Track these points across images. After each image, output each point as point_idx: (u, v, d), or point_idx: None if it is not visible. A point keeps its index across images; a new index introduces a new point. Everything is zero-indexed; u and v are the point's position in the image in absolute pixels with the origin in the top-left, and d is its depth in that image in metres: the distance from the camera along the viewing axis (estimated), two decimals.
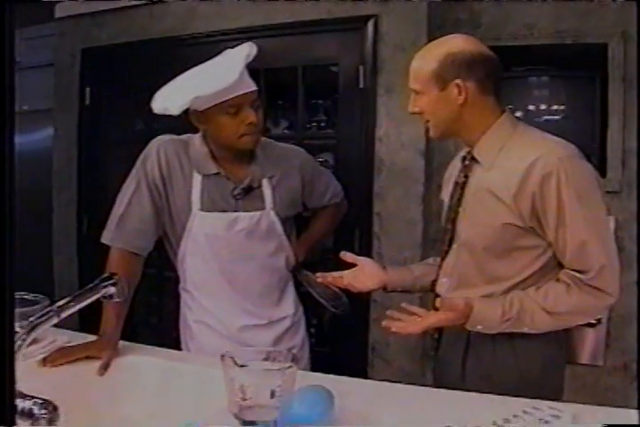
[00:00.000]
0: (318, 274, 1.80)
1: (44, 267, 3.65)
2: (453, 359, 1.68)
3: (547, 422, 1.27)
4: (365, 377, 2.89)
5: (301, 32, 2.94)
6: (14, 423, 0.89)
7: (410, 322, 1.56)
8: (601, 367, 2.79)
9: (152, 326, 3.39)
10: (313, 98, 3.32)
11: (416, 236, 2.83)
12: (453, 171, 1.74)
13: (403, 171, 2.81)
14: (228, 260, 1.89)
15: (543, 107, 3.18)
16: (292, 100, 3.18)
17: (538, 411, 1.31)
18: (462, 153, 1.71)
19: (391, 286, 1.79)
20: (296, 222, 2.10)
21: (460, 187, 1.64)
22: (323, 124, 3.47)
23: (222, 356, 1.24)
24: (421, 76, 1.55)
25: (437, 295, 1.69)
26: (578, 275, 1.49)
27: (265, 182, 1.91)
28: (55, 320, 1.19)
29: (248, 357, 1.29)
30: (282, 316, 2.01)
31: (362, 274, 1.77)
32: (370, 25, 2.78)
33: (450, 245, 1.67)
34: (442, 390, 1.50)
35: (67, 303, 1.22)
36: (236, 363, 1.21)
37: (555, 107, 3.15)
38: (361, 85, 2.84)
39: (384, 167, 2.84)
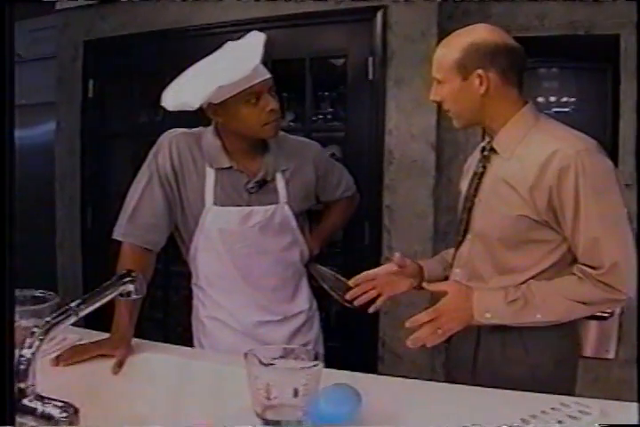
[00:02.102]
0: (350, 281, 1.73)
1: (48, 262, 3.62)
2: (464, 354, 1.66)
3: (575, 418, 1.24)
4: (376, 372, 2.90)
5: (309, 23, 2.91)
6: (14, 423, 0.88)
7: (425, 330, 1.52)
8: (613, 360, 2.77)
9: (157, 322, 3.37)
10: (319, 90, 3.28)
11: (427, 229, 2.82)
12: (473, 161, 1.72)
13: (413, 163, 2.80)
14: (242, 254, 1.86)
15: (553, 99, 3.15)
16: (297, 93, 3.15)
17: (565, 407, 1.29)
18: (483, 143, 1.68)
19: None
20: (308, 216, 2.07)
21: (478, 177, 1.62)
22: (329, 117, 3.44)
23: (246, 354, 1.22)
24: (444, 65, 1.53)
25: None
26: (589, 270, 1.46)
27: (278, 176, 1.88)
28: (74, 319, 1.16)
29: (268, 354, 1.27)
30: (297, 311, 1.98)
31: (396, 276, 1.74)
32: (379, 16, 2.75)
33: (464, 235, 1.65)
34: (466, 387, 1.47)
35: (85, 302, 1.18)
36: (261, 361, 1.18)
37: (564, 99, 3.12)
38: (370, 77, 2.83)
39: (394, 160, 2.83)
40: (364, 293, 1.72)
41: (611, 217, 1.45)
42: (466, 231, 1.64)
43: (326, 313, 3.11)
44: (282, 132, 1.94)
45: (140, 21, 3.24)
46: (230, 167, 1.83)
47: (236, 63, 1.70)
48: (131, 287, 1.29)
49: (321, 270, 2.04)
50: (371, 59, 2.80)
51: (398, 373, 2.85)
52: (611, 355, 2.85)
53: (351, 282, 1.73)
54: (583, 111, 3.00)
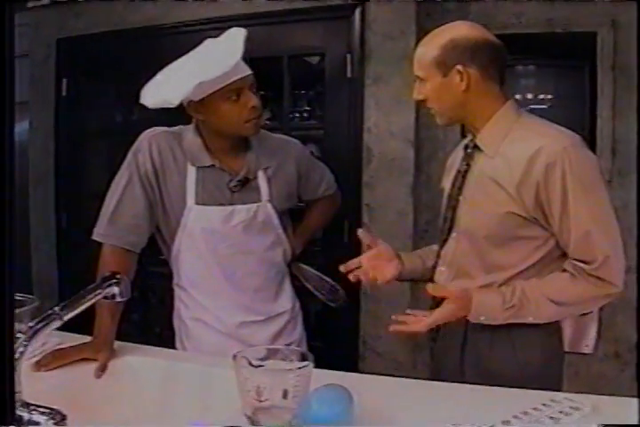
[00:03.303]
0: (341, 267, 1.71)
1: (22, 264, 3.55)
2: (451, 353, 1.66)
3: (567, 414, 1.24)
4: (356, 370, 2.89)
5: (287, 21, 2.89)
6: (14, 423, 0.87)
7: (414, 321, 1.52)
8: (593, 355, 2.79)
9: (134, 323, 3.32)
10: (296, 88, 3.26)
11: (407, 227, 2.82)
12: (455, 159, 1.72)
13: (392, 161, 2.80)
14: (225, 254, 1.84)
15: (530, 96, 3.16)
16: (275, 91, 3.12)
17: (556, 403, 1.29)
18: (465, 141, 1.68)
19: (404, 276, 1.74)
20: (291, 215, 2.05)
21: (462, 175, 1.61)
22: (306, 115, 3.42)
23: (235, 356, 1.20)
24: (424, 63, 1.53)
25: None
26: (582, 265, 1.47)
27: (260, 174, 1.86)
28: (58, 324, 1.13)
29: (256, 355, 1.25)
30: (280, 311, 1.96)
31: (380, 261, 1.71)
32: (357, 13, 2.75)
33: (449, 233, 1.64)
34: (456, 385, 1.47)
35: (68, 305, 1.16)
36: (250, 363, 1.16)
37: (541, 96, 3.14)
38: (348, 75, 2.83)
39: (373, 158, 2.83)
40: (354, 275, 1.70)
41: (600, 211, 1.46)
42: (450, 229, 1.64)
43: (306, 312, 3.10)
44: (263, 130, 1.92)
45: (114, 19, 3.19)
46: (212, 165, 1.81)
47: (217, 59, 1.68)
48: (115, 290, 1.27)
49: (304, 270, 2.04)
50: (349, 56, 2.80)
51: (379, 371, 2.85)
52: (590, 350, 2.86)
53: (341, 268, 1.71)
54: (560, 108, 3.02)
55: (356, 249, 2.89)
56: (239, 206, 1.82)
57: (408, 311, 1.59)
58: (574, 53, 2.73)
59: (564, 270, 1.51)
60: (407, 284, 2.79)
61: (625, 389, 2.71)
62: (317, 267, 2.09)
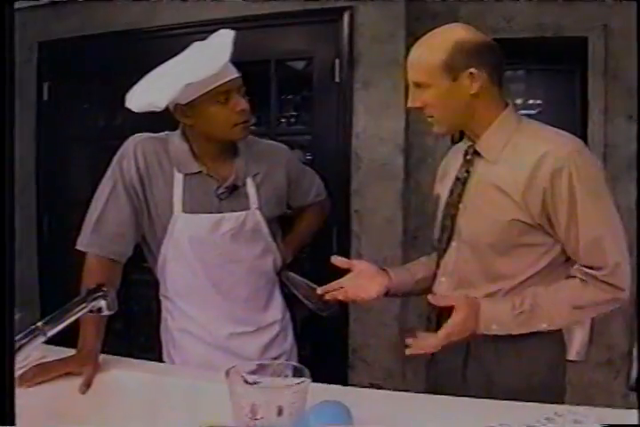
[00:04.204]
0: (319, 289, 1.67)
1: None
2: (453, 365, 1.61)
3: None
4: (345, 379, 2.85)
5: (274, 24, 2.86)
6: (14, 423, 0.84)
7: (426, 338, 1.46)
8: (585, 363, 2.76)
9: (117, 333, 3.25)
10: (283, 93, 3.22)
11: (396, 234, 2.79)
12: (450, 165, 1.67)
13: (381, 167, 2.78)
14: (214, 264, 1.79)
15: (519, 101, 3.14)
16: (260, 96, 3.08)
17: (559, 417, 1.25)
18: (461, 146, 1.64)
19: (393, 291, 1.69)
20: (280, 223, 2.00)
21: (462, 182, 1.57)
22: (292, 121, 3.39)
23: (228, 372, 1.14)
24: (427, 68, 1.45)
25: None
26: (592, 272, 1.44)
27: (249, 181, 1.81)
28: (42, 339, 1.07)
29: (249, 371, 1.20)
30: (270, 321, 1.91)
31: (362, 280, 1.66)
32: (346, 17, 2.72)
33: (448, 242, 1.60)
34: (457, 398, 1.42)
35: (52, 320, 1.10)
36: (246, 380, 1.11)
37: (530, 101, 3.12)
38: (337, 79, 2.80)
39: (362, 164, 2.80)
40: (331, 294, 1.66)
41: (608, 216, 1.44)
42: (450, 239, 1.59)
43: (293, 320, 3.05)
44: (251, 136, 1.87)
45: (97, 22, 3.13)
46: (199, 172, 1.76)
47: (205, 61, 1.63)
48: (102, 303, 1.21)
49: (294, 278, 1.98)
50: (337, 61, 2.77)
51: (369, 380, 2.81)
52: (580, 357, 2.84)
53: (319, 290, 1.67)
54: (549, 114, 3.00)
55: (344, 257, 2.89)
56: (228, 214, 1.77)
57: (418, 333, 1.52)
58: (564, 58, 2.72)
59: (570, 277, 1.48)
60: None
61: (618, 396, 2.70)
62: (305, 275, 2.02)
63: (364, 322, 2.81)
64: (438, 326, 1.50)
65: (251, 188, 1.81)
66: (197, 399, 1.43)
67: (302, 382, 1.13)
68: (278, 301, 1.96)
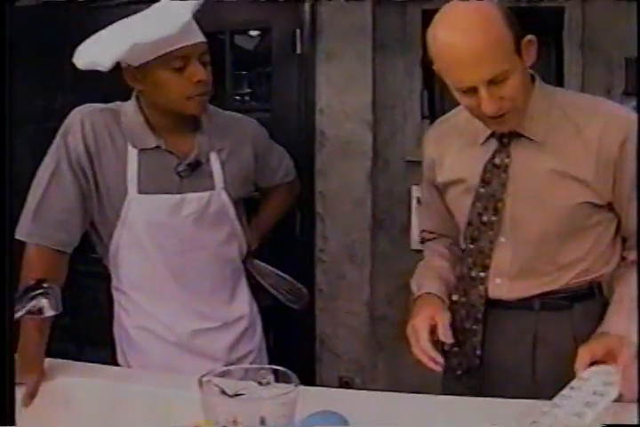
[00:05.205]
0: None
1: None
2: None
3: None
4: (313, 373, 2.68)
5: None
6: (14, 423, 0.81)
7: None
8: None
9: (64, 329, 3.02)
10: (238, 68, 3.01)
11: (364, 216, 2.64)
12: (450, 150, 1.48)
13: (347, 145, 2.61)
14: (174, 252, 1.59)
15: None
16: (214, 71, 2.87)
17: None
18: (455, 125, 1.48)
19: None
20: (245, 206, 1.82)
21: (503, 170, 1.38)
22: (247, 98, 3.20)
23: (201, 381, 0.96)
24: (500, 53, 1.19)
25: (493, 301, 1.44)
26: None
27: (213, 157, 1.62)
28: None
29: (228, 379, 1.02)
30: (237, 316, 1.72)
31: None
32: None
33: (493, 240, 1.41)
34: (457, 398, 1.28)
35: None
36: (224, 392, 0.92)
37: None
38: (298, 51, 2.61)
39: (326, 141, 2.63)
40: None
41: None
42: (495, 235, 1.41)
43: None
44: (214, 107, 1.68)
45: None
46: (157, 147, 1.56)
47: (161, 20, 1.44)
48: (43, 302, 1.01)
49: (260, 267, 1.83)
50: (298, 31, 2.58)
51: (338, 373, 2.66)
52: None
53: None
54: None
55: (309, 241, 2.72)
56: (190, 195, 1.58)
57: None
58: (540, 29, 2.56)
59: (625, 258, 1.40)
60: (366, 278, 2.62)
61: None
62: (266, 261, 1.89)
63: (332, 311, 2.65)
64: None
65: (215, 165, 1.62)
66: (160, 410, 1.26)
67: (290, 391, 0.95)
68: (245, 292, 1.78)
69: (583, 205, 1.34)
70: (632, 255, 1.38)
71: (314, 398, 1.10)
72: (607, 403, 1.08)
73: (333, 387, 2.62)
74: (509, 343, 1.43)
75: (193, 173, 1.58)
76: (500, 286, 1.43)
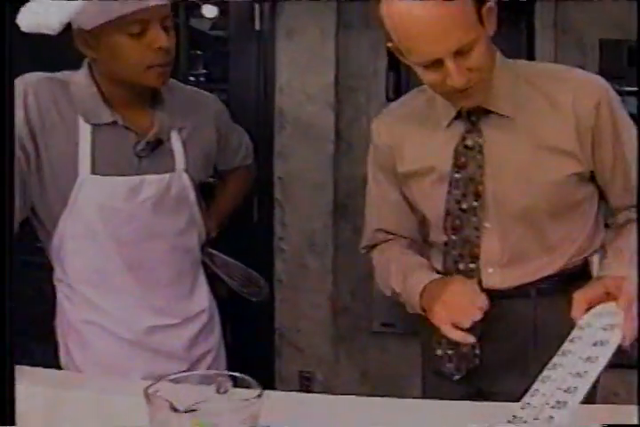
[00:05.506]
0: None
1: None
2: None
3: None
4: (272, 368, 2.56)
5: None
6: (14, 423, 0.76)
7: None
8: None
9: None
10: (191, 48, 2.87)
11: (326, 202, 2.55)
12: (409, 137, 1.38)
13: (309, 127, 2.51)
14: (129, 241, 1.44)
15: None
16: None
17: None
18: (411, 110, 1.40)
19: None
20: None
21: (478, 151, 1.30)
22: (202, 79, 3.04)
23: (147, 393, 0.80)
24: (464, 22, 1.12)
25: (487, 292, 1.30)
26: None
27: (174, 135, 1.48)
28: None
29: (176, 389, 0.86)
30: (197, 311, 1.58)
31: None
32: None
33: (477, 227, 1.33)
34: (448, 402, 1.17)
35: None
36: (173, 407, 0.77)
37: None
38: (257, 27, 2.50)
39: (287, 123, 2.53)
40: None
41: None
42: (480, 220, 1.33)
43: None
44: (175, 81, 1.53)
45: None
46: (113, 122, 1.41)
47: None
48: None
49: (215, 256, 1.71)
50: (257, 6, 2.47)
51: (299, 368, 2.55)
52: None
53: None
54: None
55: (267, 228, 2.60)
56: (148, 177, 1.43)
57: None
58: (508, 7, 2.48)
59: (621, 224, 1.35)
60: (328, 268, 2.51)
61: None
62: (222, 250, 1.76)
63: (293, 303, 2.56)
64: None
65: (176, 144, 1.48)
66: (114, 418, 1.10)
67: (251, 404, 0.81)
68: (204, 286, 1.65)
69: (571, 177, 1.29)
70: (632, 214, 1.32)
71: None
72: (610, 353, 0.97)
73: (293, 382, 2.52)
74: (508, 335, 1.36)
75: (152, 152, 1.44)
76: (493, 276, 1.35)
